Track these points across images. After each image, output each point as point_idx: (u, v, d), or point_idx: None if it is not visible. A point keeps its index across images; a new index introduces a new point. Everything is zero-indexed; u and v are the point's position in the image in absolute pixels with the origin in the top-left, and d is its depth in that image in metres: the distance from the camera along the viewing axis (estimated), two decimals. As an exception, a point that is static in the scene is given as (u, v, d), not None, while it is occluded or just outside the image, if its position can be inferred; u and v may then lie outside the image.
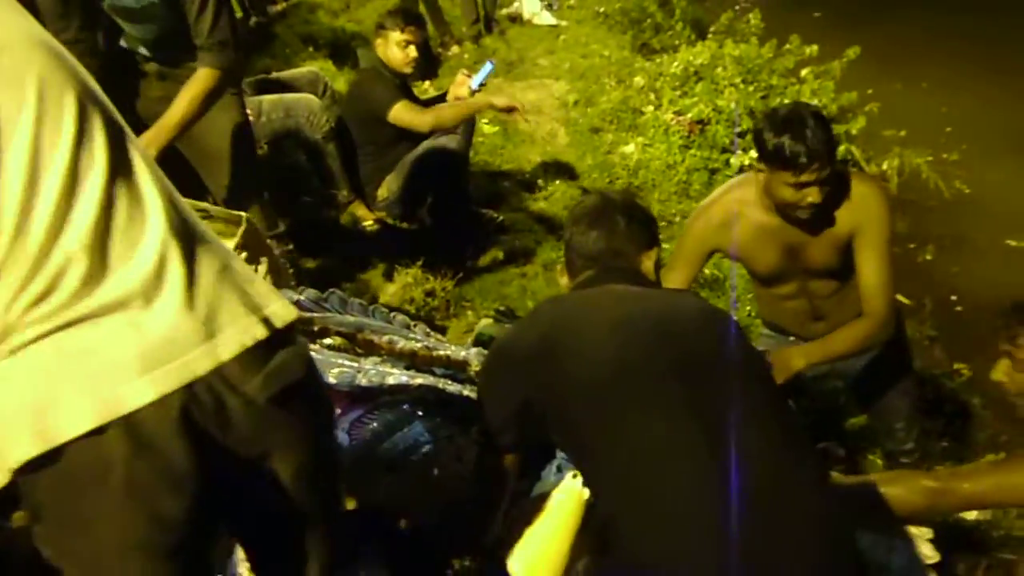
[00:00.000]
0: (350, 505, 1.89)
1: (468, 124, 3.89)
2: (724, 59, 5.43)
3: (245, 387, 1.19)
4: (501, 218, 4.22)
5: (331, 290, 2.27)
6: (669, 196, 4.86)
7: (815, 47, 5.50)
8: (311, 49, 5.66)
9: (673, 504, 1.42)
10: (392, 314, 2.36)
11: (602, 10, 7.69)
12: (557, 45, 7.14)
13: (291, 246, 3.06)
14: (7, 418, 1.08)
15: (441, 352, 2.16)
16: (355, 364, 2.01)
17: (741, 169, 4.73)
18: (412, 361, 2.11)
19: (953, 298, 4.45)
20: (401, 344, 2.12)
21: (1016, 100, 6.18)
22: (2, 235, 1.05)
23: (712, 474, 1.41)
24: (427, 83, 5.83)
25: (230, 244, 2.19)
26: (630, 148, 5.22)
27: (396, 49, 3.73)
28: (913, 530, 2.01)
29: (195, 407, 1.14)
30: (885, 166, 5.47)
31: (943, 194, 5.32)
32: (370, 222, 3.87)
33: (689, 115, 5.16)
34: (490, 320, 2.89)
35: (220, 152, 2.73)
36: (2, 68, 1.06)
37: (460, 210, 3.98)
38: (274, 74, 4.06)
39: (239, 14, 4.99)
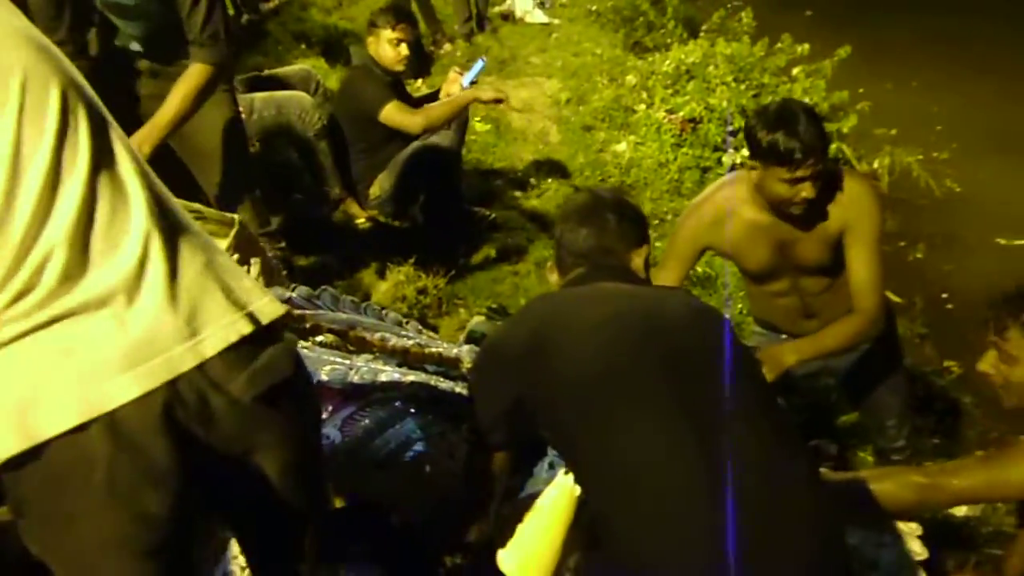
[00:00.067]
0: (341, 502, 1.90)
1: (461, 122, 3.89)
2: (716, 57, 5.44)
3: (229, 385, 1.18)
4: (493, 216, 4.23)
5: (323, 287, 2.27)
6: (661, 194, 4.87)
7: (806, 46, 5.52)
8: (303, 46, 5.65)
9: (663, 502, 1.42)
10: (384, 311, 2.36)
11: (594, 8, 7.71)
12: (549, 43, 7.14)
13: (283, 244, 3.06)
14: None
15: (433, 349, 2.16)
16: (347, 361, 2.01)
17: (733, 167, 4.74)
18: (404, 358, 2.11)
19: (944, 296, 4.47)
20: (393, 341, 2.12)
21: (1005, 100, 6.21)
22: None
23: (701, 472, 1.42)
24: (419, 81, 5.83)
25: (221, 245, 2.19)
26: (622, 146, 5.23)
27: (388, 47, 3.73)
28: (902, 526, 2.03)
29: (178, 405, 1.14)
30: (876, 164, 5.49)
31: (934, 192, 5.34)
32: (362, 220, 3.87)
33: (681, 113, 5.17)
34: (482, 317, 2.89)
35: (212, 149, 2.73)
36: None
37: (452, 208, 3.99)
38: (266, 71, 4.06)
39: (231, 11, 4.98)
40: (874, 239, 2.30)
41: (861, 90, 5.35)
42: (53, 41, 1.18)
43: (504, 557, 1.67)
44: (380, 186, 3.81)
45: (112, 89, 2.47)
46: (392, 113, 3.64)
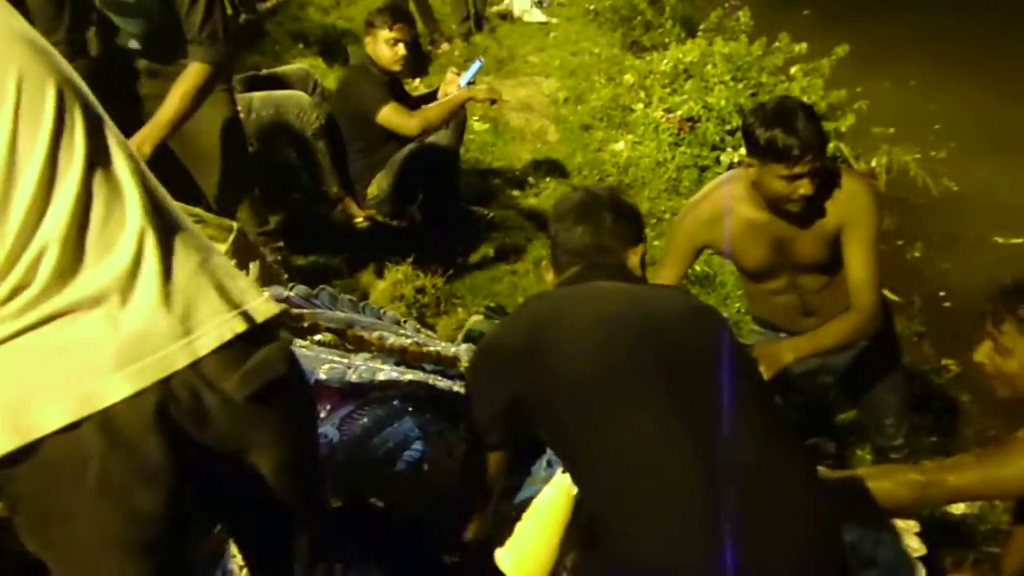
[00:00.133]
0: (339, 501, 1.90)
1: (459, 121, 3.90)
2: (714, 57, 5.44)
3: (223, 384, 1.18)
4: (491, 215, 4.23)
5: (321, 286, 2.27)
6: (659, 193, 4.87)
7: (804, 45, 5.52)
8: (301, 46, 5.65)
9: (660, 501, 1.43)
10: (382, 310, 2.36)
11: (592, 8, 7.71)
12: (547, 42, 7.15)
13: (281, 243, 3.06)
14: None
15: (431, 348, 2.17)
16: (345, 360, 2.01)
17: (731, 166, 4.74)
18: (402, 357, 2.11)
19: (941, 294, 4.47)
20: (391, 340, 2.12)
21: (1003, 99, 6.21)
22: None
23: (698, 470, 1.42)
24: (417, 80, 5.83)
25: (220, 249, 2.18)
26: (620, 145, 5.23)
27: (385, 47, 3.73)
28: (900, 523, 2.03)
29: (171, 403, 1.14)
30: (874, 163, 5.49)
31: (931, 191, 5.34)
32: (360, 219, 3.87)
33: (679, 112, 5.17)
34: (480, 316, 2.89)
35: (211, 149, 2.73)
36: None
37: (450, 207, 3.99)
38: (264, 71, 4.06)
39: (229, 11, 4.98)
40: (871, 237, 2.31)
41: (859, 89, 5.35)
42: (52, 41, 1.19)
43: (502, 556, 1.67)
44: (378, 185, 3.81)
45: (112, 89, 2.49)
46: (390, 115, 3.66)
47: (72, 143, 1.12)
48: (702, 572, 1.37)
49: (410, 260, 3.52)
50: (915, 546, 2.00)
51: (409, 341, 2.16)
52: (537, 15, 7.60)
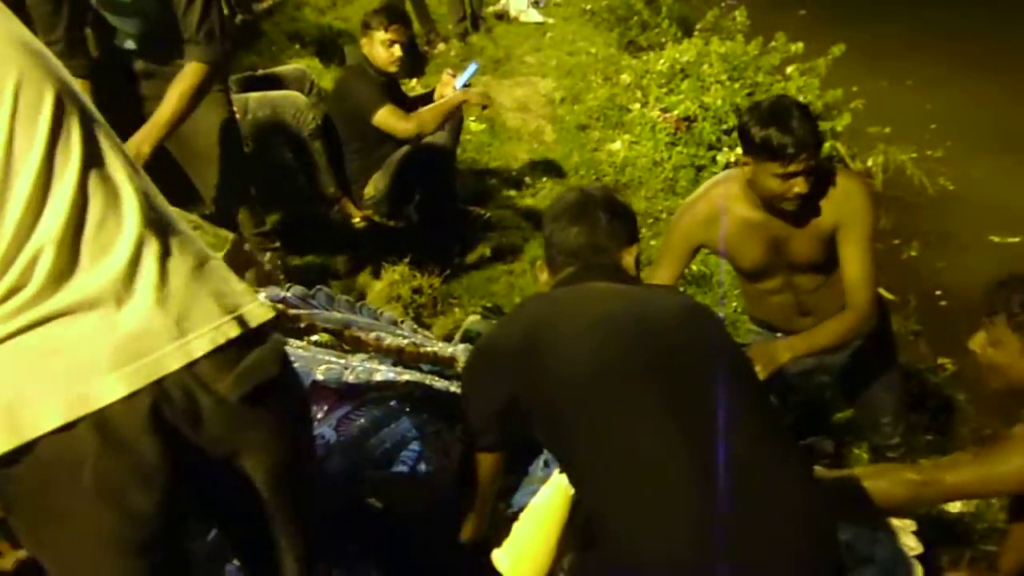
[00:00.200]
0: (336, 501, 1.90)
1: (456, 122, 3.89)
2: (710, 56, 5.45)
3: (217, 385, 1.19)
4: (488, 215, 4.23)
5: (318, 287, 2.27)
6: (655, 193, 4.88)
7: (800, 44, 5.52)
8: (298, 46, 5.65)
9: (656, 501, 1.43)
10: (379, 311, 2.36)
11: (589, 7, 7.71)
12: (544, 42, 7.15)
13: (278, 243, 3.06)
14: None
15: (428, 348, 2.17)
16: (342, 361, 2.01)
17: (727, 166, 4.75)
18: (399, 357, 2.11)
19: (938, 293, 4.48)
20: (388, 341, 2.12)
21: (999, 97, 6.23)
22: None
23: (694, 471, 1.42)
24: (414, 81, 5.83)
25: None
26: (617, 145, 5.24)
27: (381, 48, 3.73)
28: (896, 522, 2.04)
29: (166, 404, 1.15)
30: (870, 163, 5.50)
31: (927, 190, 5.35)
32: (357, 219, 3.86)
33: (675, 112, 5.18)
34: (477, 316, 2.89)
35: (208, 150, 2.73)
36: None
37: (447, 207, 3.99)
38: (261, 71, 4.05)
39: (225, 11, 4.98)
40: (867, 236, 2.31)
41: (855, 88, 5.36)
42: (51, 39, 1.19)
43: (499, 556, 1.67)
44: (375, 186, 3.81)
45: (110, 90, 2.49)
46: (386, 117, 3.66)
47: (68, 147, 1.12)
48: (699, 572, 1.37)
49: (407, 260, 3.52)
50: (912, 544, 2.01)
51: (406, 341, 2.16)
52: (533, 15, 7.59)
